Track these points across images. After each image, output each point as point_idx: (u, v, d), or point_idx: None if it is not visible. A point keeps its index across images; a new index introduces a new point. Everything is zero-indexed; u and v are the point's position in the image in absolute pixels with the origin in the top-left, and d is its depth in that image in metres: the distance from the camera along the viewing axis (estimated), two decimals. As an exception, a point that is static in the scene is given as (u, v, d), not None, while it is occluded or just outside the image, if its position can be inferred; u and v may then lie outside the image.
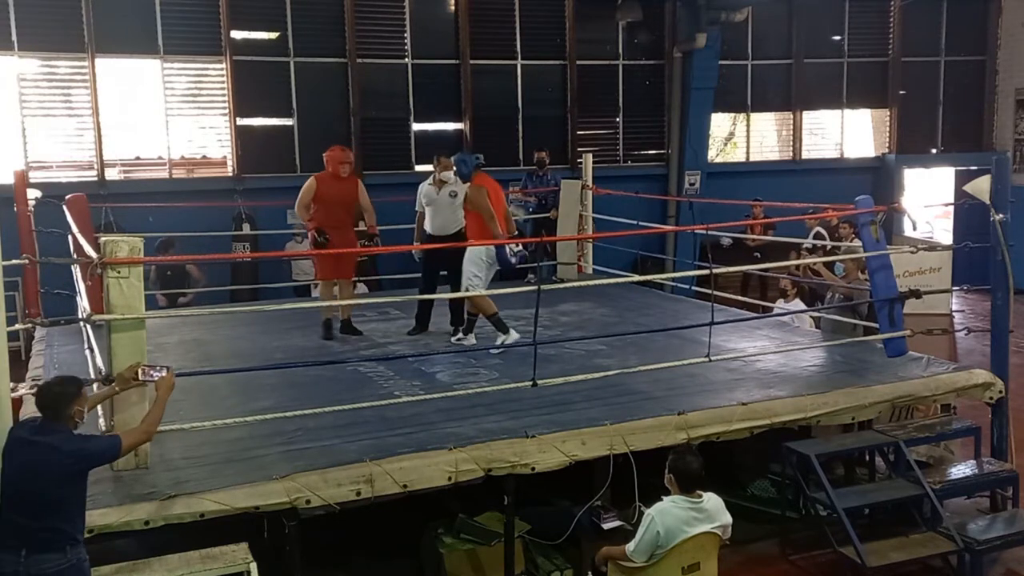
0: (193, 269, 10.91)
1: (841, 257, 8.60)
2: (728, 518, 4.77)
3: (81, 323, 6.24)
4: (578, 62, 14.54)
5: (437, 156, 8.46)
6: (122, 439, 4.29)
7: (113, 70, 12.40)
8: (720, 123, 15.89)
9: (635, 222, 10.92)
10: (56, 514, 3.98)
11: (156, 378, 4.72)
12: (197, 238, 10.97)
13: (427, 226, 8.44)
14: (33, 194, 9.06)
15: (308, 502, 4.93)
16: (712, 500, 4.76)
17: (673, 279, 11.36)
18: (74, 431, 4.18)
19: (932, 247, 9.91)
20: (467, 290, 7.75)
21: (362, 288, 11.73)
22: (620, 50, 14.88)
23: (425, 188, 8.49)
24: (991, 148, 16.74)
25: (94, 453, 4.16)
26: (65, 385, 4.25)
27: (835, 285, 8.51)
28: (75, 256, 7.40)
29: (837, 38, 16.25)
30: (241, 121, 12.90)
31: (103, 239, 5.10)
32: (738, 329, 8.37)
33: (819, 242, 10.52)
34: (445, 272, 8.57)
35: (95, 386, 5.58)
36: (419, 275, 8.83)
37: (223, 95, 12.81)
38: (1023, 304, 9.69)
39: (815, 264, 9.07)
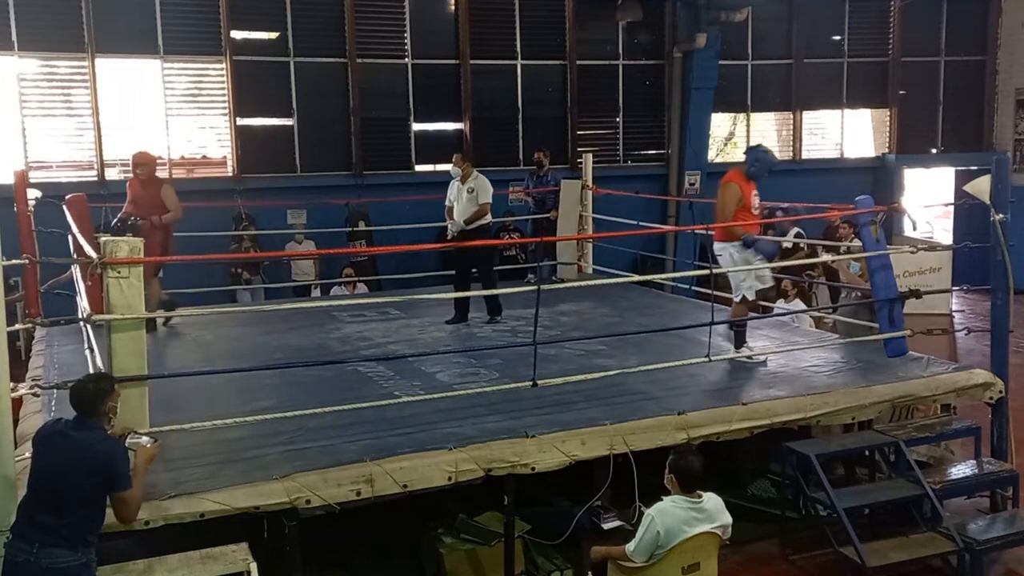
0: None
1: (851, 256, 8.54)
2: (728, 518, 4.77)
3: (81, 323, 6.24)
4: (578, 62, 14.53)
5: (454, 154, 9.12)
6: (130, 489, 4.19)
7: (113, 70, 12.40)
8: (720, 123, 15.89)
9: (635, 222, 10.92)
10: (78, 511, 4.04)
11: (137, 445, 4.45)
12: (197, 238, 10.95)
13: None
14: (33, 194, 9.05)
15: (308, 502, 4.93)
16: (712, 500, 4.76)
17: (673, 279, 11.36)
18: (108, 428, 4.25)
19: (932, 247, 9.91)
20: (743, 297, 7.40)
21: (362, 288, 11.75)
22: (620, 50, 14.88)
23: (452, 184, 9.07)
24: (991, 148, 16.74)
25: (117, 466, 4.13)
26: (100, 382, 4.33)
27: (851, 284, 8.38)
28: (75, 256, 7.40)
29: (837, 38, 16.25)
30: (241, 121, 12.90)
31: (103, 239, 5.10)
32: (738, 329, 8.35)
33: (801, 240, 10.51)
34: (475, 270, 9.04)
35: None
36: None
37: (223, 95, 12.81)
38: (1023, 304, 9.69)
39: (834, 263, 8.99)
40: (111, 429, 4.35)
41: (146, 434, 4.62)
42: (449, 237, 9.15)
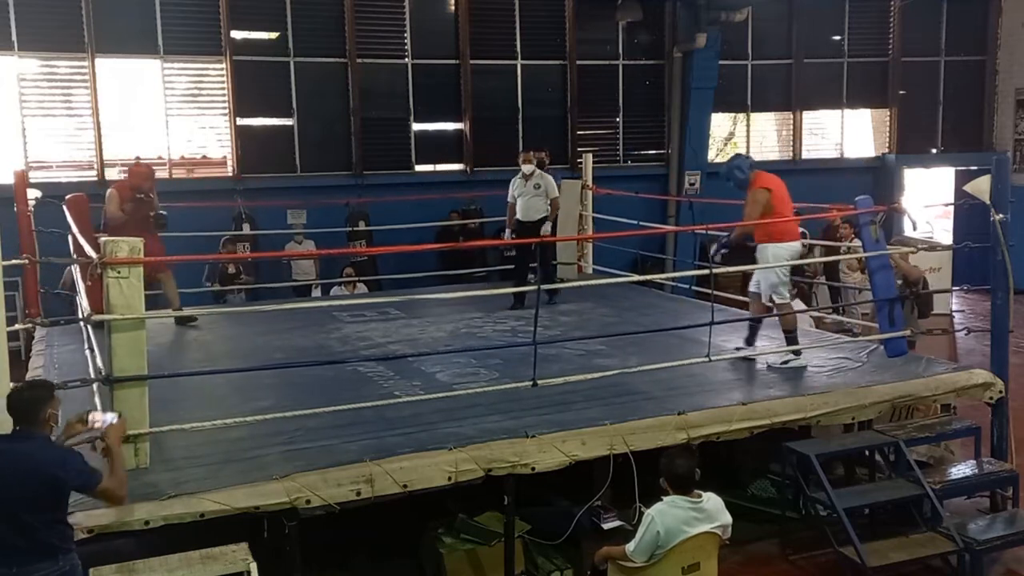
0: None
1: (852, 256, 8.52)
2: (728, 518, 4.77)
3: (81, 323, 6.24)
4: (578, 62, 14.54)
5: (522, 152, 9.83)
6: (102, 480, 4.07)
7: (113, 70, 12.41)
8: (720, 123, 15.89)
9: (635, 222, 10.92)
10: (41, 524, 3.89)
11: (106, 424, 4.40)
12: (197, 238, 10.96)
13: (517, 214, 9.67)
14: (33, 194, 9.05)
15: (308, 502, 4.93)
16: (712, 500, 4.76)
17: (673, 279, 11.36)
18: (51, 436, 4.12)
19: (932, 247, 9.91)
20: (772, 301, 7.39)
21: (361, 288, 11.75)
22: (620, 50, 14.88)
23: (515, 181, 9.74)
24: (991, 148, 16.74)
25: (71, 472, 3.97)
26: (35, 389, 4.20)
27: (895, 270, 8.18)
28: (75, 256, 7.40)
29: (837, 38, 16.25)
30: (241, 121, 12.90)
31: (103, 239, 5.10)
32: (738, 329, 8.34)
33: (815, 242, 10.50)
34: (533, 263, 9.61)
35: (95, 386, 5.59)
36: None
37: (223, 95, 12.82)
38: (1023, 304, 9.69)
39: (845, 261, 8.94)
40: (58, 436, 4.21)
41: (106, 417, 4.49)
42: (511, 230, 9.77)
